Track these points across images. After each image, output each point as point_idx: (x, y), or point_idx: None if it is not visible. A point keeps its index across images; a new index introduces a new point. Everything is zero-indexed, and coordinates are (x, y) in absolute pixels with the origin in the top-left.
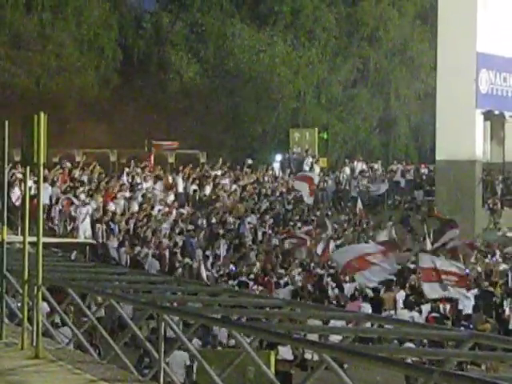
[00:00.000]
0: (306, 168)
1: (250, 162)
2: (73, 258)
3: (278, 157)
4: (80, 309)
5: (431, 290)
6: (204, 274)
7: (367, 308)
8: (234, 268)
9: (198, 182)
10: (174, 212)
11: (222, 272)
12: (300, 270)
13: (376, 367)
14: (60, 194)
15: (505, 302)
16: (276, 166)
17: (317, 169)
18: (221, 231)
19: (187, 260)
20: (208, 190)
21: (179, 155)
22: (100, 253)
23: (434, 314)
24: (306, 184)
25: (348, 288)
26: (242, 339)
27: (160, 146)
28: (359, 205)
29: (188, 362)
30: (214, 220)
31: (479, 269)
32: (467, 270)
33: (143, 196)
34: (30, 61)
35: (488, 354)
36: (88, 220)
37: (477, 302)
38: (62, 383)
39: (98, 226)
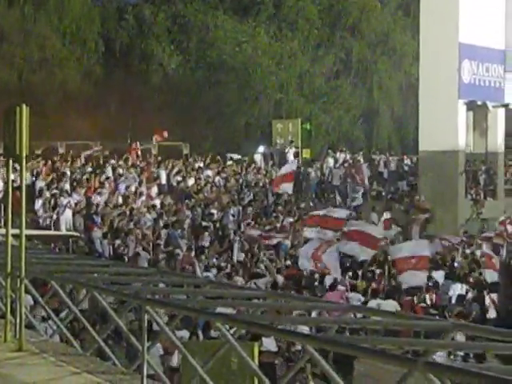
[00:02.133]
0: (290, 159)
1: (233, 156)
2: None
3: (260, 149)
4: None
5: (410, 278)
6: (198, 271)
7: (356, 298)
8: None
9: (181, 173)
10: (158, 204)
11: (206, 263)
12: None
13: (359, 357)
14: (43, 186)
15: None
16: (258, 157)
17: (291, 157)
18: (204, 223)
19: (177, 251)
20: (191, 181)
21: (162, 147)
22: (82, 245)
23: (422, 304)
24: (284, 183)
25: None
26: (226, 330)
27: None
28: (338, 197)
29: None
30: (197, 212)
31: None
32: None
33: (126, 188)
34: (12, 54)
35: (471, 343)
36: (69, 212)
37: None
38: (46, 375)
39: (79, 218)
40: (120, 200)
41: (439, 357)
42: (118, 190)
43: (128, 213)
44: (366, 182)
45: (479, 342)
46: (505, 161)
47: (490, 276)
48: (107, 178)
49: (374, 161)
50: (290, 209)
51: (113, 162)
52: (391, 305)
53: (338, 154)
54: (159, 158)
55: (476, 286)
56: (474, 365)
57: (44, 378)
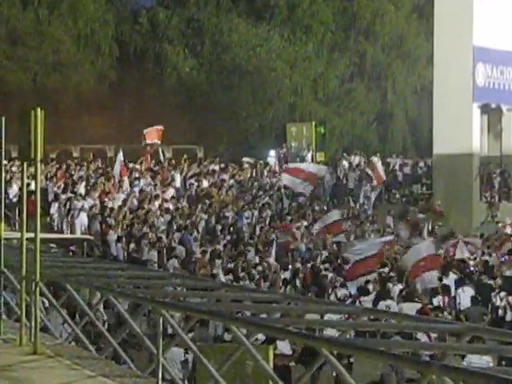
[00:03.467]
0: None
1: (248, 160)
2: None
3: (272, 152)
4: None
5: (424, 280)
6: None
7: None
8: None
9: (196, 177)
10: (172, 207)
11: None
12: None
13: (375, 361)
14: (58, 190)
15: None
16: (272, 160)
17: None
18: (219, 226)
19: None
20: (206, 184)
21: (176, 150)
22: (97, 248)
23: (430, 306)
24: (292, 177)
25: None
26: (241, 334)
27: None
28: (351, 202)
29: (183, 358)
30: (212, 215)
31: (471, 262)
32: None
33: (141, 192)
34: (27, 57)
35: (486, 347)
36: (84, 215)
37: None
38: (61, 379)
39: (95, 221)
40: (135, 203)
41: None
42: (133, 194)
43: (143, 216)
44: (383, 176)
45: (495, 346)
46: None
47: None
48: (122, 181)
49: (389, 164)
50: (304, 212)
51: (131, 165)
52: (411, 307)
53: (352, 158)
54: (173, 161)
55: (485, 288)
56: (490, 367)
57: (59, 382)
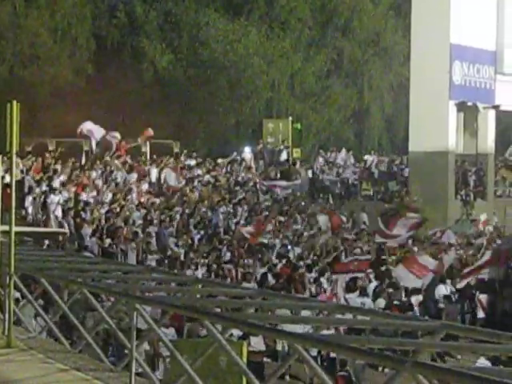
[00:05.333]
0: (283, 158)
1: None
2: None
3: (247, 149)
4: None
5: (407, 279)
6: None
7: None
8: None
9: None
10: (147, 201)
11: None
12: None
13: (348, 357)
14: (33, 183)
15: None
16: (248, 156)
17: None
18: (194, 221)
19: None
20: (182, 179)
21: (153, 145)
22: (71, 242)
23: (395, 302)
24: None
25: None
26: (214, 329)
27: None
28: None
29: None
30: (187, 210)
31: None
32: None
33: (116, 185)
34: (3, 49)
35: (460, 344)
36: (59, 209)
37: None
38: (34, 372)
39: (69, 215)
40: (110, 197)
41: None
42: (108, 188)
43: (118, 210)
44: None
45: (468, 343)
46: (495, 162)
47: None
48: (98, 175)
49: (365, 161)
50: (281, 208)
51: (107, 159)
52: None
53: (329, 154)
54: (150, 156)
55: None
56: (463, 365)
57: (32, 375)
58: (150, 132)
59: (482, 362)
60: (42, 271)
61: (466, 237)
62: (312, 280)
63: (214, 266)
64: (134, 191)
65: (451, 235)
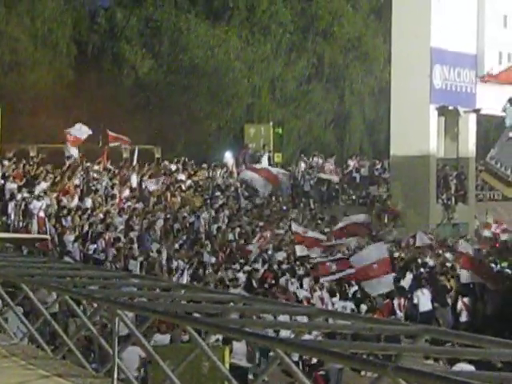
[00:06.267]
0: (265, 163)
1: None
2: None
3: (228, 154)
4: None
5: (377, 286)
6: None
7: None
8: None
9: (153, 177)
10: (129, 207)
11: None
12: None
13: (329, 362)
14: (15, 189)
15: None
16: (229, 161)
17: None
18: (176, 226)
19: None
20: (163, 185)
21: (134, 150)
22: (54, 248)
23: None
24: (256, 175)
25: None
26: (196, 334)
27: (116, 139)
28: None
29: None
30: (168, 215)
31: (431, 263)
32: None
33: (96, 192)
34: None
35: (442, 348)
36: (41, 215)
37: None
38: (15, 379)
39: (51, 221)
40: (91, 203)
41: None
42: (90, 193)
43: (101, 216)
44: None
45: (450, 347)
46: (476, 166)
47: (464, 277)
48: (80, 181)
49: (348, 166)
50: (261, 213)
51: (88, 165)
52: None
53: (311, 159)
54: (131, 162)
55: (443, 290)
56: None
57: (13, 382)
58: (112, 134)
59: (461, 365)
60: (23, 277)
61: (444, 240)
62: (295, 285)
63: (197, 270)
64: (116, 197)
65: (423, 237)
